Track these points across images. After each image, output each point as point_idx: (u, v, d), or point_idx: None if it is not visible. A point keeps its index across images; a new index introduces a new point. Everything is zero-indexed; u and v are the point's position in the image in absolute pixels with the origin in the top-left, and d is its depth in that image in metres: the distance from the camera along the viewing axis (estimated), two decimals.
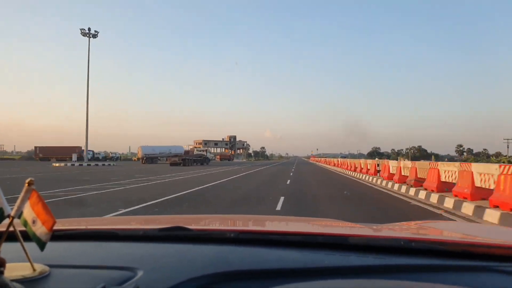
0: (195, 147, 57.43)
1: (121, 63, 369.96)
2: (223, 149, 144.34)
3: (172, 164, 43.39)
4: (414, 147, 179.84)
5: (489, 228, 2.50)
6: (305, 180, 21.37)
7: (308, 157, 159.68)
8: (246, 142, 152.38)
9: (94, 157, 75.05)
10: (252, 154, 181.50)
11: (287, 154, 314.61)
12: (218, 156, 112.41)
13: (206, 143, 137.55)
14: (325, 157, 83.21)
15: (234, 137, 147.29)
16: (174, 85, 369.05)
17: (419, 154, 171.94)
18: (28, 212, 0.73)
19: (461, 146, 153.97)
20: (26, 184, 0.74)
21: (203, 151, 56.44)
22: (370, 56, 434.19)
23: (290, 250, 1.00)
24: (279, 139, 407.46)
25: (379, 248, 1.01)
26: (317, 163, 69.94)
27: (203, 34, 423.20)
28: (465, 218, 7.95)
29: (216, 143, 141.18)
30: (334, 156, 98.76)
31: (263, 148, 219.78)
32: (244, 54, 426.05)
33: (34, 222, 0.73)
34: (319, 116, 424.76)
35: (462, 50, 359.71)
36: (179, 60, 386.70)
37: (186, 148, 51.69)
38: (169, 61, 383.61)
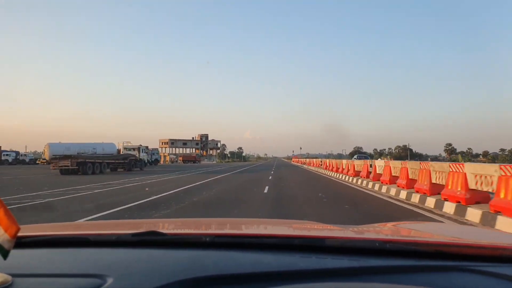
0: (125, 146, 41.96)
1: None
2: (194, 149, 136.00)
3: (63, 172, 27.02)
4: (400, 146, 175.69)
5: (464, 228, 2.46)
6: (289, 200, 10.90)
7: (289, 158, 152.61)
8: (220, 141, 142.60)
9: (19, 159, 62.17)
10: (229, 155, 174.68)
11: (265, 154, 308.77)
12: (181, 158, 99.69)
13: (173, 142, 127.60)
14: (307, 158, 75.01)
15: (206, 136, 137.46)
16: (149, 84, 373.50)
17: (405, 153, 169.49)
18: None
19: (450, 145, 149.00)
20: None
21: (133, 149, 39.12)
22: (353, 56, 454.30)
23: (265, 254, 1.00)
24: (259, 140, 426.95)
25: (355, 250, 1.02)
26: (302, 165, 57.25)
27: (176, 33, 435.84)
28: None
29: (185, 143, 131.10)
30: (316, 157, 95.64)
31: (240, 148, 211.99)
32: (226, 54, 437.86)
33: None
34: (299, 118, 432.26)
35: (449, 49, 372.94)
36: (153, 60, 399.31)
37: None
38: (141, 60, 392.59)
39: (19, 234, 0.71)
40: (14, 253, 0.73)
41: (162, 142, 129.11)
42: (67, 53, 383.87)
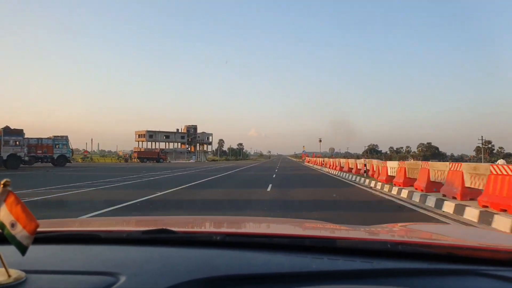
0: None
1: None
2: (179, 144, 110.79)
3: None
4: (424, 144, 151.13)
5: (477, 230, 2.44)
6: None
7: (297, 156, 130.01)
8: (211, 134, 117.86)
9: None
10: (228, 152, 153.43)
11: (269, 152, 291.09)
12: (136, 153, 75.77)
13: (151, 135, 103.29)
14: (331, 157, 48.47)
15: (194, 128, 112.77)
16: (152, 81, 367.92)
17: (430, 152, 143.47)
18: (5, 215, 0.71)
19: (489, 142, 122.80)
20: (1, 185, 0.71)
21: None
22: (361, 52, 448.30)
23: (277, 254, 1.00)
24: (264, 137, 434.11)
25: (366, 251, 1.02)
26: (323, 169, 35.75)
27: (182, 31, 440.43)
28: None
29: (167, 135, 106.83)
30: (325, 155, 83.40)
31: (241, 144, 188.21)
32: (232, 52, 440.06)
33: (13, 225, 0.71)
34: (306, 115, 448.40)
35: (467, 43, 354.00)
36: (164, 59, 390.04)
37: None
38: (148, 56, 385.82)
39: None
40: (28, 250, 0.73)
41: (139, 135, 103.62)
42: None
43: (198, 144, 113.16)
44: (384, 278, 0.87)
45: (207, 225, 1.78)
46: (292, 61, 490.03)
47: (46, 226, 1.28)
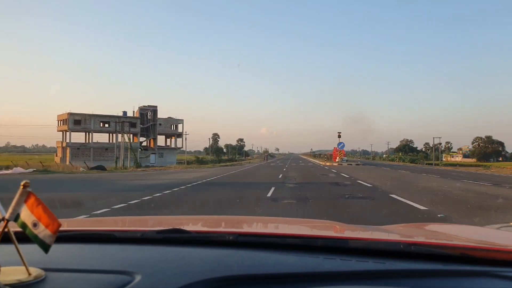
0: None
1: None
2: (131, 136, 71.66)
3: None
4: (481, 138, 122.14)
5: (491, 231, 2.40)
6: None
7: (314, 155, 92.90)
8: (182, 121, 78.05)
9: None
10: (225, 150, 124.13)
11: (277, 150, 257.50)
12: None
13: (78, 121, 64.39)
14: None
15: (153, 111, 73.44)
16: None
17: (491, 149, 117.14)
18: (27, 215, 0.74)
19: None
20: (21, 187, 0.74)
21: None
22: (378, 47, 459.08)
23: (289, 254, 1.02)
24: (275, 135, 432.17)
25: (378, 252, 1.03)
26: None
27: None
28: None
29: (105, 122, 68.04)
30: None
31: (241, 140, 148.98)
32: (242, 52, 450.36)
33: (35, 225, 0.74)
34: (321, 112, 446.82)
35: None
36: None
37: None
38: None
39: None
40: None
41: (61, 121, 64.00)
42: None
43: (173, 137, 73.17)
44: (396, 279, 0.88)
45: (220, 224, 1.82)
46: (305, 58, 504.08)
47: (65, 225, 1.36)
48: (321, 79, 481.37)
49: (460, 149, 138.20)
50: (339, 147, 44.67)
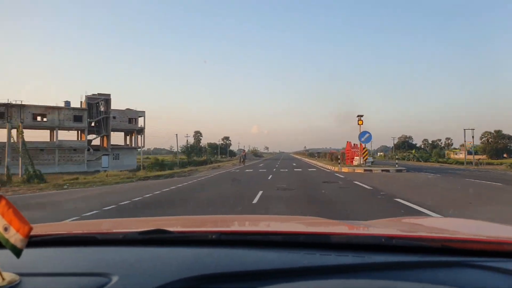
0: None
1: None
2: (78, 132, 56.74)
3: None
4: (490, 132, 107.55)
5: (469, 222, 2.49)
6: None
7: (309, 154, 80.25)
8: (143, 113, 62.69)
9: None
10: (206, 149, 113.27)
11: (267, 148, 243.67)
12: None
13: (2, 113, 48.62)
14: None
15: (106, 100, 58.22)
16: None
17: (501, 145, 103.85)
18: None
19: None
20: None
21: None
22: (367, 45, 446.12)
23: (269, 251, 1.03)
24: (266, 135, 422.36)
25: (360, 246, 1.05)
26: None
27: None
28: None
29: (42, 115, 52.43)
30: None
31: (226, 139, 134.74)
32: (238, 49, 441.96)
33: (6, 229, 0.73)
34: (312, 111, 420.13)
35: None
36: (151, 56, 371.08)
37: None
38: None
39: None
40: (22, 252, 0.75)
41: None
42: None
43: (134, 133, 57.98)
44: (375, 272, 0.90)
45: (202, 224, 1.82)
46: (296, 56, 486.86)
47: (42, 229, 1.33)
48: (313, 76, 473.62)
49: (462, 145, 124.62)
50: (363, 139, 25.78)
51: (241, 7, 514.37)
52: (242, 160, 41.97)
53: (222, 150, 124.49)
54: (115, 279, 0.81)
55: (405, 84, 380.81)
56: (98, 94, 57.65)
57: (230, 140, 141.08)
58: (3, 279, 0.76)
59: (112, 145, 58.35)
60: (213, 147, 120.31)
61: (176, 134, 64.97)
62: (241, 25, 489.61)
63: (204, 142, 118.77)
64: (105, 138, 58.88)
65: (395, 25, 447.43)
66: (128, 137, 62.69)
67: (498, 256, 0.98)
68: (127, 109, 61.08)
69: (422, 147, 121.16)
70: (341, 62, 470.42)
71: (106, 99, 58.15)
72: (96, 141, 60.15)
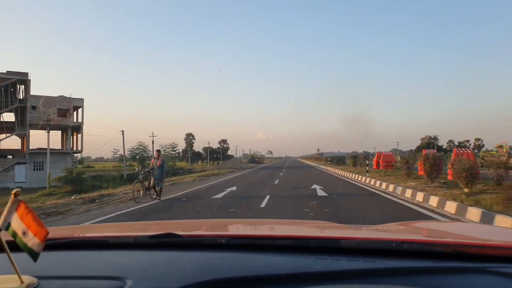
0: None
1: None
2: None
3: None
4: None
5: (483, 227, 2.39)
6: None
7: (325, 158, 64.75)
8: (81, 102, 42.73)
9: None
10: (203, 152, 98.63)
11: (270, 153, 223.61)
12: None
13: None
14: None
15: (21, 84, 38.11)
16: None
17: None
18: (17, 224, 0.75)
19: None
20: (12, 195, 0.76)
21: None
22: (375, 48, 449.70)
23: (281, 255, 1.03)
24: (272, 140, 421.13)
25: (371, 251, 1.03)
26: None
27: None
28: None
29: None
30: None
31: (224, 142, 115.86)
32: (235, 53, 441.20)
33: (24, 233, 0.75)
34: (319, 116, 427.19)
35: None
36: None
37: None
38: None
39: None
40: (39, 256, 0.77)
41: None
42: None
43: (75, 134, 38.42)
44: (387, 277, 0.89)
45: (212, 228, 1.82)
46: (302, 62, 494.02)
47: (57, 233, 1.35)
48: (321, 80, 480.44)
49: (500, 146, 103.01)
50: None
51: (246, 10, 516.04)
52: (146, 180, 11.85)
53: (223, 154, 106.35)
54: (129, 282, 0.82)
55: (413, 85, 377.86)
56: (8, 72, 38.30)
57: (228, 144, 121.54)
58: (22, 282, 0.78)
59: (33, 149, 39.01)
60: (210, 151, 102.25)
61: (122, 131, 44.72)
62: (247, 28, 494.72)
63: (202, 146, 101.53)
64: (24, 139, 39.65)
65: (403, 26, 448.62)
66: (75, 138, 43.26)
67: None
68: (59, 96, 41.69)
69: (448, 149, 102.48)
70: (350, 65, 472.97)
71: (22, 80, 38.82)
72: (14, 143, 40.84)
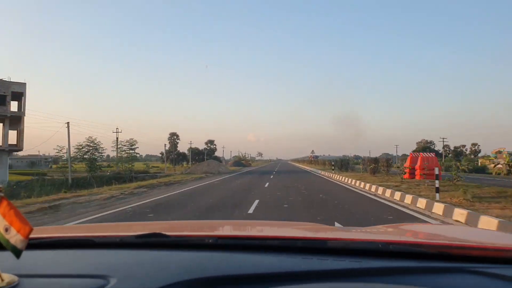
0: None
1: None
2: None
3: None
4: None
5: (466, 229, 2.71)
6: None
7: (323, 162, 56.47)
8: (23, 86, 33.19)
9: None
10: (188, 154, 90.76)
11: (260, 155, 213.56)
12: None
13: None
14: None
15: None
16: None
17: None
18: None
19: None
20: None
21: None
22: (366, 50, 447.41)
23: (268, 255, 1.05)
24: (263, 142, 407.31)
25: (357, 251, 1.05)
26: None
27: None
28: None
29: None
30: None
31: (211, 143, 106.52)
32: (225, 55, 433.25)
33: (7, 230, 0.74)
34: (311, 118, 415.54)
35: None
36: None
37: None
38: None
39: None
40: (22, 254, 0.76)
41: None
42: None
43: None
44: (372, 277, 0.91)
45: (200, 228, 1.80)
46: (295, 63, 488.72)
47: (42, 232, 1.35)
48: (312, 83, 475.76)
49: (498, 152, 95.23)
50: None
51: (238, 10, 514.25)
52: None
53: (210, 155, 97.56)
54: (113, 281, 0.81)
55: (406, 90, 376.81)
56: None
57: (215, 145, 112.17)
58: (2, 280, 0.77)
59: None
60: (195, 152, 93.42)
61: (68, 123, 35.03)
62: (238, 28, 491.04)
63: (186, 147, 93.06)
64: None
65: (396, 27, 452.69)
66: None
67: (496, 263, 0.97)
68: None
69: (444, 154, 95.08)
70: (342, 66, 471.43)
71: None
72: None
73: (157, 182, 21.91)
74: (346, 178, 21.81)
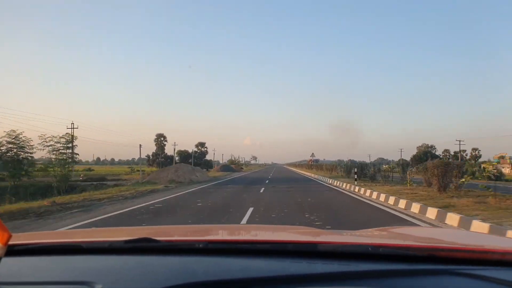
0: None
1: None
2: None
3: None
4: None
5: (453, 232, 2.48)
6: None
7: (309, 168, 50.47)
8: None
9: None
10: (176, 157, 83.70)
11: (254, 158, 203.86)
12: None
13: None
14: None
15: None
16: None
17: None
18: None
19: None
20: None
21: None
22: (361, 56, 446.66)
23: (257, 259, 1.04)
24: (258, 146, 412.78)
25: (347, 255, 1.07)
26: None
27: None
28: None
29: None
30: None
31: (202, 145, 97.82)
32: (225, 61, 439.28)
33: None
34: (308, 123, 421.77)
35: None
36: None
37: None
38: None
39: (12, 242, 0.73)
40: (4, 261, 0.74)
41: None
42: None
43: None
44: (361, 280, 0.92)
45: (190, 233, 1.81)
46: (291, 68, 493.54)
47: (27, 238, 1.34)
48: (310, 88, 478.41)
49: (501, 156, 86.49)
50: None
51: (237, 14, 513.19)
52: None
53: (201, 158, 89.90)
54: (98, 287, 0.81)
55: (404, 95, 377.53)
56: None
57: (206, 147, 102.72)
58: None
59: None
60: (184, 155, 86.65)
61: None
62: (237, 35, 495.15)
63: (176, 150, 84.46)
64: None
65: (395, 33, 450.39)
66: None
67: (483, 265, 1.00)
68: None
69: (460, 158, 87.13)
70: (338, 73, 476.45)
71: None
72: None
73: (97, 195, 14.40)
74: (402, 201, 10.95)
